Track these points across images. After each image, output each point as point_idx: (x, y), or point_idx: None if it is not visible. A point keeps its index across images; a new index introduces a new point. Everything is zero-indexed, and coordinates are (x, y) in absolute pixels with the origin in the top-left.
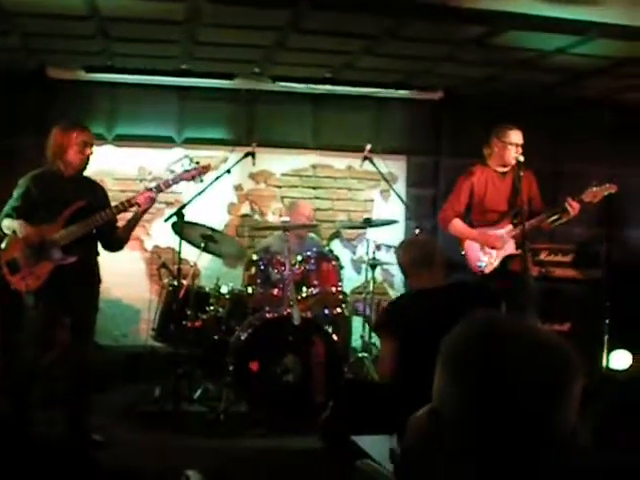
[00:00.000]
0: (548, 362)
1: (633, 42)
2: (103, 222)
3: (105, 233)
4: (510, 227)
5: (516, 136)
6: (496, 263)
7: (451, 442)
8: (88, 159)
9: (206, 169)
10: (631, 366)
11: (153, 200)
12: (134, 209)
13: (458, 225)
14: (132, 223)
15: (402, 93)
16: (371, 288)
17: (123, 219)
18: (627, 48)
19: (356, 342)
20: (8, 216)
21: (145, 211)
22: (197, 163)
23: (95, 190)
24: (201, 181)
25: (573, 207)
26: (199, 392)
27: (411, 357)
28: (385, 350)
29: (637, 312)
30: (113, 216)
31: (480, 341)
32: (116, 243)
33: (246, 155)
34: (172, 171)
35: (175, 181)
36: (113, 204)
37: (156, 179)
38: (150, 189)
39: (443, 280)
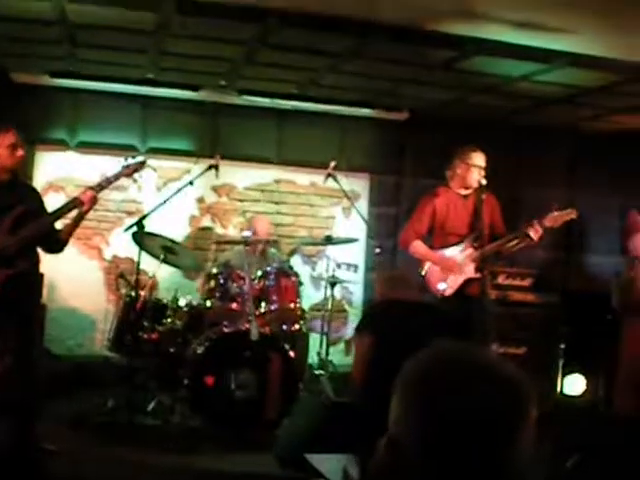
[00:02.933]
0: (506, 396)
1: (600, 72)
2: (49, 227)
3: (47, 237)
4: (470, 250)
5: (479, 158)
6: (456, 286)
7: (410, 473)
8: (21, 160)
9: (142, 165)
10: (585, 391)
11: (96, 199)
12: (77, 210)
13: (419, 247)
14: (74, 224)
15: (367, 112)
16: (330, 305)
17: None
18: (593, 78)
19: (312, 359)
20: None
21: (88, 211)
22: (134, 159)
23: (31, 194)
24: (140, 177)
25: (536, 232)
26: (153, 404)
27: (376, 368)
28: (360, 352)
29: (592, 337)
30: (57, 219)
31: (439, 371)
32: (57, 245)
33: (209, 167)
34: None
35: (116, 177)
36: (56, 206)
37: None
38: (92, 188)
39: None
